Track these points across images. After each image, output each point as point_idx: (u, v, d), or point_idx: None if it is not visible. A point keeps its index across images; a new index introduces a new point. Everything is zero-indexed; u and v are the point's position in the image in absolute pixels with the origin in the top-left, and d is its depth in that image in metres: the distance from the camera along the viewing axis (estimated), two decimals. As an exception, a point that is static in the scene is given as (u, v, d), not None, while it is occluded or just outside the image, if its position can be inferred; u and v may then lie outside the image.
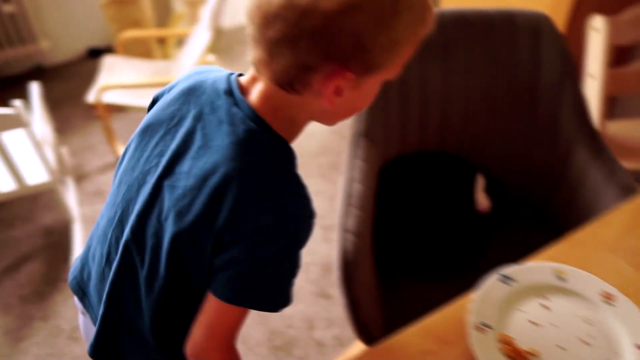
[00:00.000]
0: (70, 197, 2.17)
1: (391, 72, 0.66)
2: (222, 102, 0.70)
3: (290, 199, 0.67)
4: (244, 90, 0.70)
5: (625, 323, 0.75)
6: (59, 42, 2.91)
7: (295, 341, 1.65)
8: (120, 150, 2.37)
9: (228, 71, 0.76)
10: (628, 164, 1.49)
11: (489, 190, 1.35)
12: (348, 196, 1.13)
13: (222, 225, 0.65)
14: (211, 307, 0.70)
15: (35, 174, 1.82)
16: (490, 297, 0.78)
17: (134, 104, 2.27)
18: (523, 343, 0.74)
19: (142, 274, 0.73)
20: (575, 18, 1.66)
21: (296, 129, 0.72)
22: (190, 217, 0.67)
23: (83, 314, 0.87)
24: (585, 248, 0.88)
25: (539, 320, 0.77)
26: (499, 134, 1.36)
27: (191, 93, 0.73)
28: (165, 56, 2.90)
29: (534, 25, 1.28)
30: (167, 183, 0.70)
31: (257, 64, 0.65)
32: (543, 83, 1.28)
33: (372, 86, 0.66)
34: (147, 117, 0.77)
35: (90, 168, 2.35)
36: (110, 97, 2.26)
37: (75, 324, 1.72)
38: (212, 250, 0.68)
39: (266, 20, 0.60)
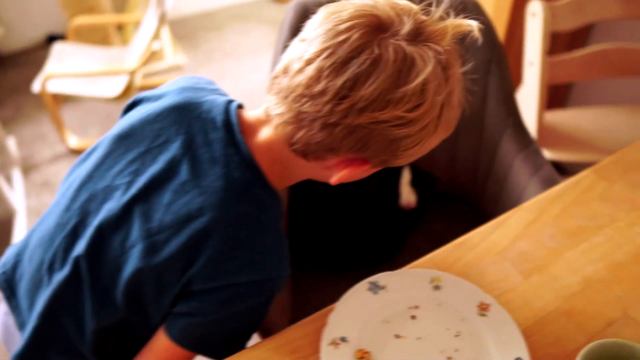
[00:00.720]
0: (17, 188, 2.11)
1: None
2: (218, 136, 0.64)
3: (272, 259, 0.63)
4: (245, 129, 0.65)
5: (496, 337, 0.69)
6: (15, 28, 2.83)
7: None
8: (71, 140, 2.32)
9: (226, 96, 0.70)
10: (565, 156, 1.43)
11: (415, 184, 1.28)
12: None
13: (195, 273, 0.61)
14: (161, 345, 0.67)
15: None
16: (354, 307, 0.72)
17: (84, 94, 2.19)
18: (382, 359, 0.67)
19: (93, 295, 0.67)
20: (520, 7, 1.57)
21: (289, 182, 0.69)
22: (161, 256, 0.62)
23: (6, 313, 0.79)
24: (474, 252, 0.82)
25: (404, 333, 0.71)
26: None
27: (182, 112, 0.67)
28: (125, 43, 2.82)
29: (460, 8, 1.20)
30: (139, 209, 0.64)
31: (275, 118, 0.60)
32: (469, 68, 1.21)
33: (378, 169, 0.64)
34: (126, 123, 0.70)
35: (40, 158, 2.29)
36: (59, 86, 2.18)
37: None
38: (177, 294, 0.63)
39: (310, 93, 0.55)
